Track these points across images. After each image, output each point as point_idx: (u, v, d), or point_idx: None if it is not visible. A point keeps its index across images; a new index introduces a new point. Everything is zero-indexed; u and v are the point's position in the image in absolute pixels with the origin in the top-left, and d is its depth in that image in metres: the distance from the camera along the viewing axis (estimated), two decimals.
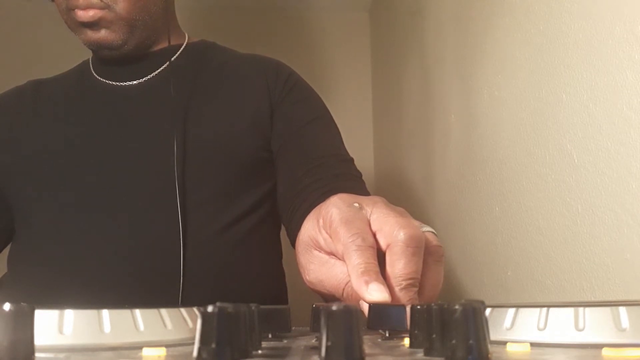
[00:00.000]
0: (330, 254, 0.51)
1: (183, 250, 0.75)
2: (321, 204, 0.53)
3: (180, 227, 0.76)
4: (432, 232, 0.50)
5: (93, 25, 0.79)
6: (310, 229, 0.52)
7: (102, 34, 0.80)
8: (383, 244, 0.47)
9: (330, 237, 0.49)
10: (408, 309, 0.33)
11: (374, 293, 0.42)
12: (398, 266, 0.45)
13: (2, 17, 1.71)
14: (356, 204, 0.50)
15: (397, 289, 0.44)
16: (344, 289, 0.49)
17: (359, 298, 0.44)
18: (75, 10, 0.78)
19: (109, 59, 0.87)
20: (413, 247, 0.45)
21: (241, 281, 0.81)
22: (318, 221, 0.51)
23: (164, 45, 0.88)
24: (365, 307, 0.42)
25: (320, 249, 0.52)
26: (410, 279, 0.45)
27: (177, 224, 0.76)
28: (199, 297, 0.74)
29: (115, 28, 0.80)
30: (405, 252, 0.45)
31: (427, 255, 0.47)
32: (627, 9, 0.61)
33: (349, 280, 0.47)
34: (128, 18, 0.80)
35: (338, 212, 0.48)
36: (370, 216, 0.49)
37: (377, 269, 0.44)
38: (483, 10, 0.98)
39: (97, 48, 0.83)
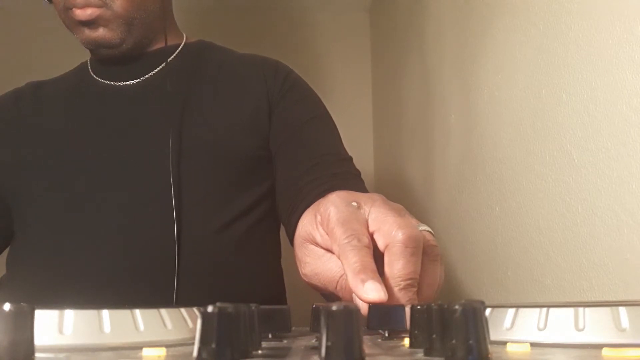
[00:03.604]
0: (326, 249, 0.51)
1: (178, 249, 0.75)
2: (320, 200, 0.53)
3: (175, 226, 0.76)
4: (429, 231, 0.50)
5: (91, 23, 0.79)
6: (307, 224, 0.53)
7: (100, 32, 0.81)
8: (381, 244, 0.47)
9: (327, 234, 0.49)
10: (408, 309, 0.33)
11: (370, 292, 0.42)
12: (397, 266, 0.45)
13: (2, 17, 1.71)
14: (354, 203, 0.50)
15: (396, 289, 0.44)
16: (337, 282, 0.50)
17: (352, 291, 0.44)
18: (73, 9, 0.78)
19: (107, 59, 0.87)
20: (412, 248, 0.45)
21: (238, 281, 0.81)
22: (316, 217, 0.51)
23: (161, 44, 0.88)
24: (358, 302, 0.42)
25: (316, 244, 0.52)
26: (409, 279, 0.45)
27: (173, 223, 0.76)
28: (195, 296, 0.74)
29: (113, 26, 0.80)
30: (403, 253, 0.45)
31: (423, 254, 0.47)
32: (627, 9, 0.61)
33: (343, 274, 0.47)
34: (126, 16, 0.80)
35: (336, 211, 0.49)
36: (368, 215, 0.49)
37: (374, 266, 0.44)
38: (483, 10, 0.98)
39: (95, 47, 0.84)
